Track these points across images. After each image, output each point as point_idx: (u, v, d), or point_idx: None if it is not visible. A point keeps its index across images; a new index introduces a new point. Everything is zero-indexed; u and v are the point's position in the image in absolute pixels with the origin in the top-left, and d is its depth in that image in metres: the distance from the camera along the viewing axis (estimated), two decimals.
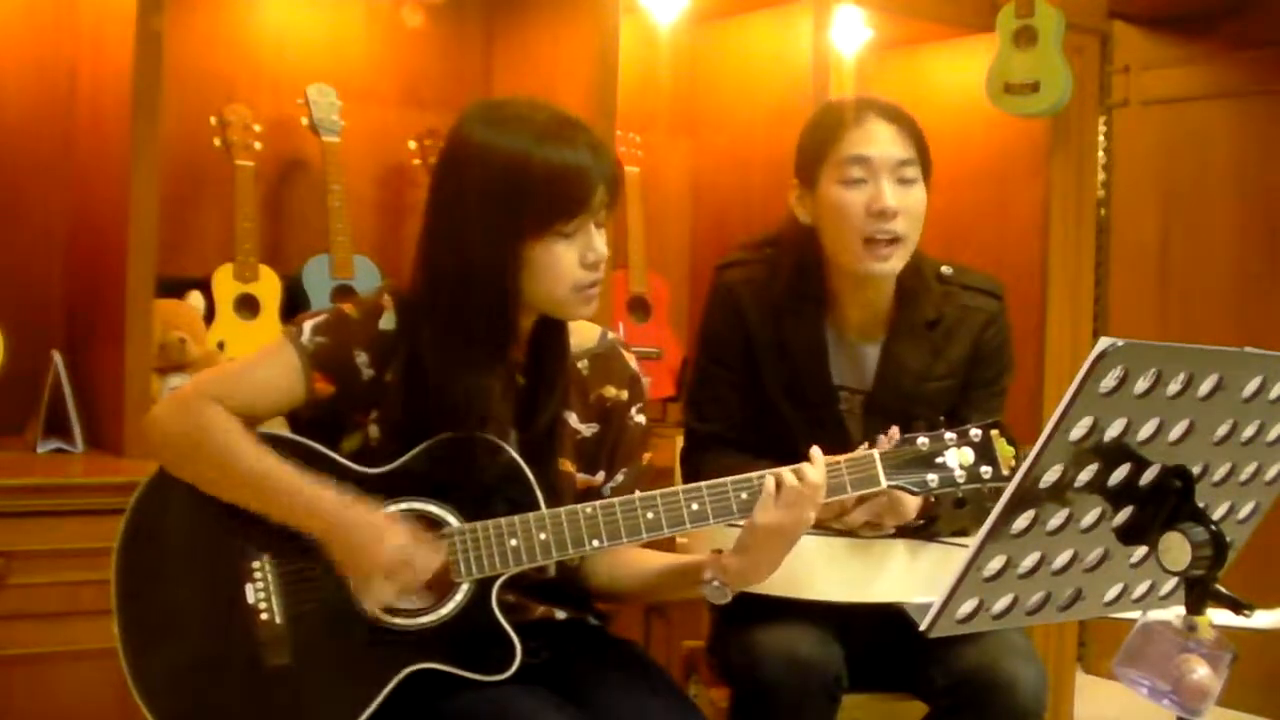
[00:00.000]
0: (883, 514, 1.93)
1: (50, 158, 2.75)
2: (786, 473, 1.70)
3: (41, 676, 2.24)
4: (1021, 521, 1.28)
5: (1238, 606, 1.29)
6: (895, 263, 2.06)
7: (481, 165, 1.67)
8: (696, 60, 3.58)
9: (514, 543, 1.67)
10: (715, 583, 1.75)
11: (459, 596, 1.68)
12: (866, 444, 1.79)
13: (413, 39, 3.22)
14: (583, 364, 1.86)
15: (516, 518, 1.68)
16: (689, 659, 2.34)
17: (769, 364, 2.14)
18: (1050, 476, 1.26)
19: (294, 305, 2.84)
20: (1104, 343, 1.20)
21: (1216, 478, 1.38)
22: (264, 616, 1.67)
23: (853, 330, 2.15)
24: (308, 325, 1.73)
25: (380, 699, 1.65)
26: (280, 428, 1.77)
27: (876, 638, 2.01)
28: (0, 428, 2.62)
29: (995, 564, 1.30)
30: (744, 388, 2.16)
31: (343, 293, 2.85)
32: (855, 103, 2.12)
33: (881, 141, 2.05)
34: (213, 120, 2.82)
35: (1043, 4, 3.26)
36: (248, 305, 2.83)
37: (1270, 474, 1.44)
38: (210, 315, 2.78)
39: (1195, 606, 1.29)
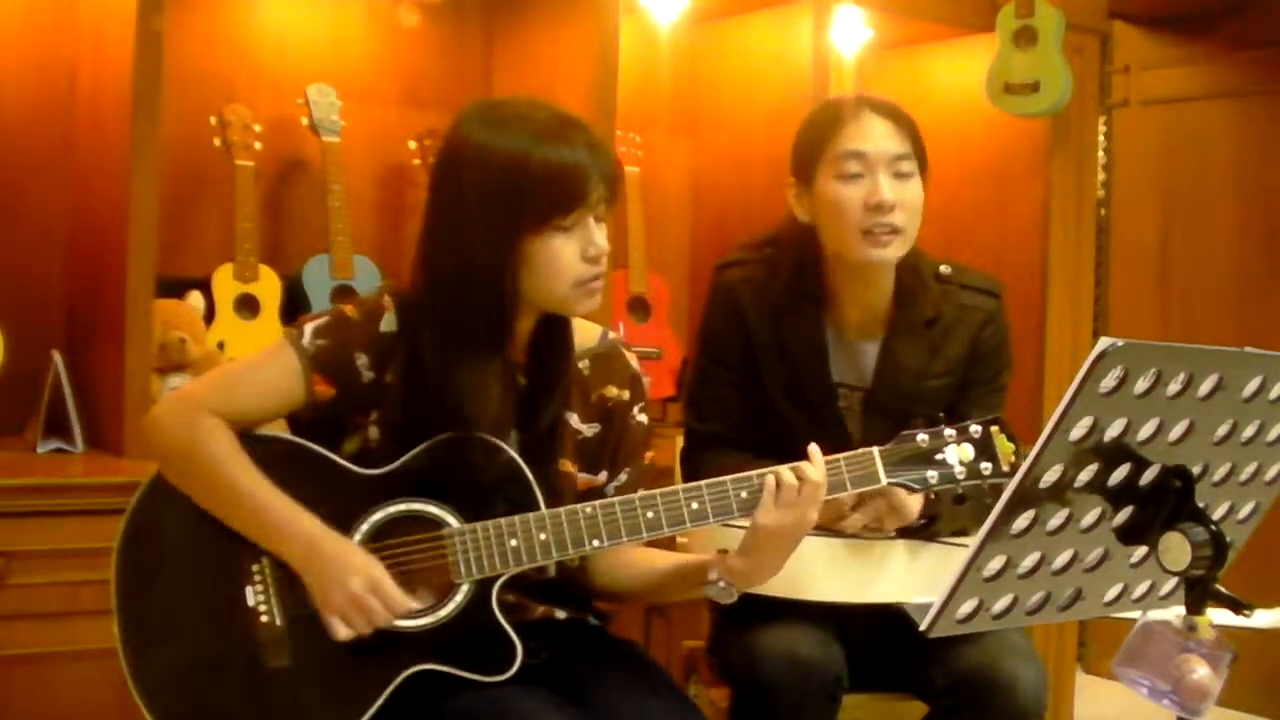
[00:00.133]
0: (884, 516, 1.93)
1: (50, 158, 2.75)
2: (786, 471, 1.70)
3: (41, 676, 2.24)
4: (1021, 521, 1.28)
5: (1238, 606, 1.29)
6: (894, 250, 2.05)
7: (480, 165, 1.67)
8: (696, 60, 3.58)
9: (514, 543, 1.67)
10: (721, 583, 1.75)
11: (459, 597, 1.68)
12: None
13: (413, 39, 3.22)
14: (584, 364, 1.86)
15: (516, 518, 1.68)
16: (689, 659, 2.34)
17: (769, 363, 2.14)
18: (1050, 476, 1.26)
19: (294, 305, 2.84)
20: (1104, 343, 1.20)
21: (1216, 478, 1.38)
22: (264, 618, 1.67)
23: (852, 328, 2.15)
24: (309, 327, 1.73)
25: (381, 700, 1.64)
26: (280, 429, 1.77)
27: (877, 638, 2.01)
28: (0, 428, 2.62)
29: (995, 564, 1.30)
30: (744, 387, 2.16)
31: (343, 293, 2.85)
32: (850, 100, 2.13)
33: (877, 136, 2.05)
34: (213, 120, 2.83)
35: (1043, 4, 3.26)
36: (248, 305, 2.83)
37: (1270, 474, 1.44)
38: (210, 315, 2.78)
39: (1195, 606, 1.29)
